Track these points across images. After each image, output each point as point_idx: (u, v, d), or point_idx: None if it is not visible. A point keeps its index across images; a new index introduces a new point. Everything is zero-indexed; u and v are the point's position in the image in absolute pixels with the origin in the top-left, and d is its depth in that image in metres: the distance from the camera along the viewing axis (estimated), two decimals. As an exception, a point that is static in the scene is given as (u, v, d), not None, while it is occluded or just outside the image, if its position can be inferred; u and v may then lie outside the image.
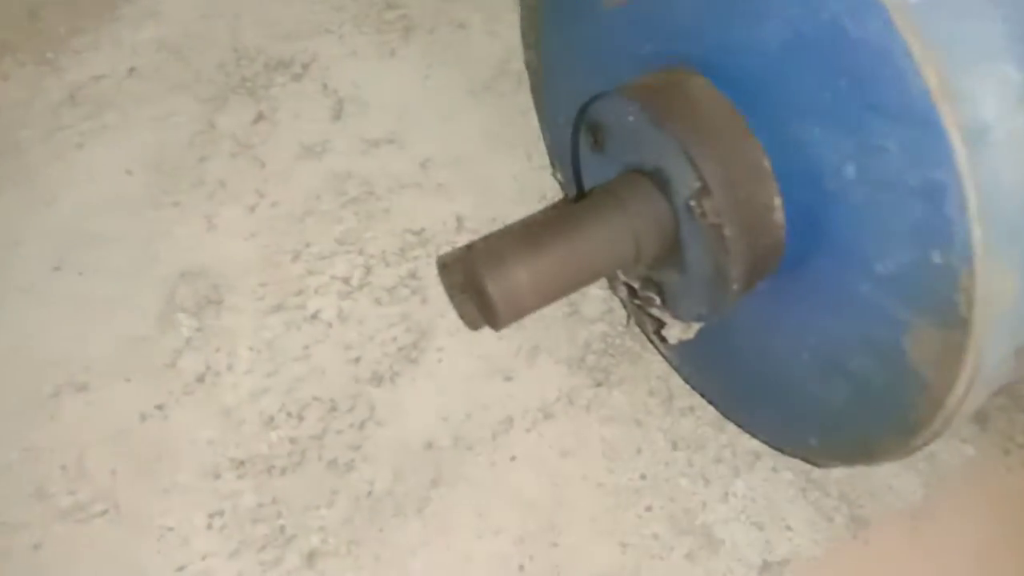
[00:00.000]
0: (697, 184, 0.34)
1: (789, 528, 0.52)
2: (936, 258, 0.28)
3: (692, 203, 0.35)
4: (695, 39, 0.36)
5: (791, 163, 0.33)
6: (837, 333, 0.35)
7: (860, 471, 0.54)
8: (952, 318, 0.29)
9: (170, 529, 0.50)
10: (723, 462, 0.53)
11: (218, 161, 0.63)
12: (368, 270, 0.59)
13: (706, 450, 0.54)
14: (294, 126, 0.65)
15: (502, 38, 0.68)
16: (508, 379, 0.56)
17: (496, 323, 0.36)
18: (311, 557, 0.49)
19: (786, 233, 0.35)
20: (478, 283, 0.35)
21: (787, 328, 0.39)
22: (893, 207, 0.29)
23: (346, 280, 0.58)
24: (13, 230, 0.60)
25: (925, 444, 0.35)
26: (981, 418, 0.57)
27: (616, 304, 0.58)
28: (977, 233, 0.28)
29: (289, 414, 0.53)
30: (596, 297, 0.59)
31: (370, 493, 0.51)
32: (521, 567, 0.49)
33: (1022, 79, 0.27)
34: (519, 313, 0.37)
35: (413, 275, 0.58)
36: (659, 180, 0.36)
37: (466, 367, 0.56)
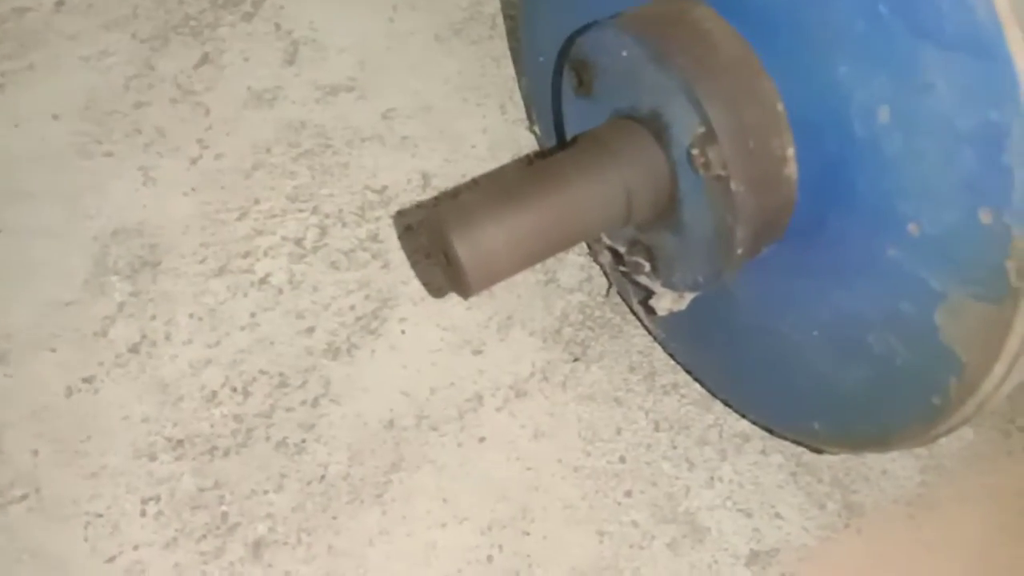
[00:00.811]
0: (701, 129, 0.30)
1: (779, 516, 0.49)
2: (986, 218, 0.24)
3: (694, 151, 0.31)
4: None
5: (811, 107, 0.30)
6: (856, 307, 0.31)
7: (859, 466, 0.52)
8: (998, 289, 0.25)
9: (99, 516, 0.47)
10: (709, 444, 0.51)
11: (157, 107, 0.61)
12: (323, 231, 0.56)
13: (691, 431, 0.51)
14: (243, 70, 0.63)
15: None
16: (477, 352, 0.53)
17: (465, 290, 0.32)
18: (257, 547, 0.47)
19: (800, 190, 0.31)
20: (446, 245, 0.31)
21: (796, 301, 0.35)
22: (936, 157, 0.25)
23: (298, 242, 0.55)
24: None
25: (949, 432, 0.31)
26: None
27: (596, 271, 0.56)
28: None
29: (234, 389, 0.51)
30: (574, 263, 0.57)
31: (323, 477, 0.49)
32: (490, 558, 0.47)
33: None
34: (491, 279, 0.33)
35: (374, 237, 0.55)
36: (656, 126, 0.33)
37: (432, 339, 0.54)
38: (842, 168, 0.30)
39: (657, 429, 0.51)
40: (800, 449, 0.53)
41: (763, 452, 0.51)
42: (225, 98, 0.62)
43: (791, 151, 0.31)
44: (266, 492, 0.48)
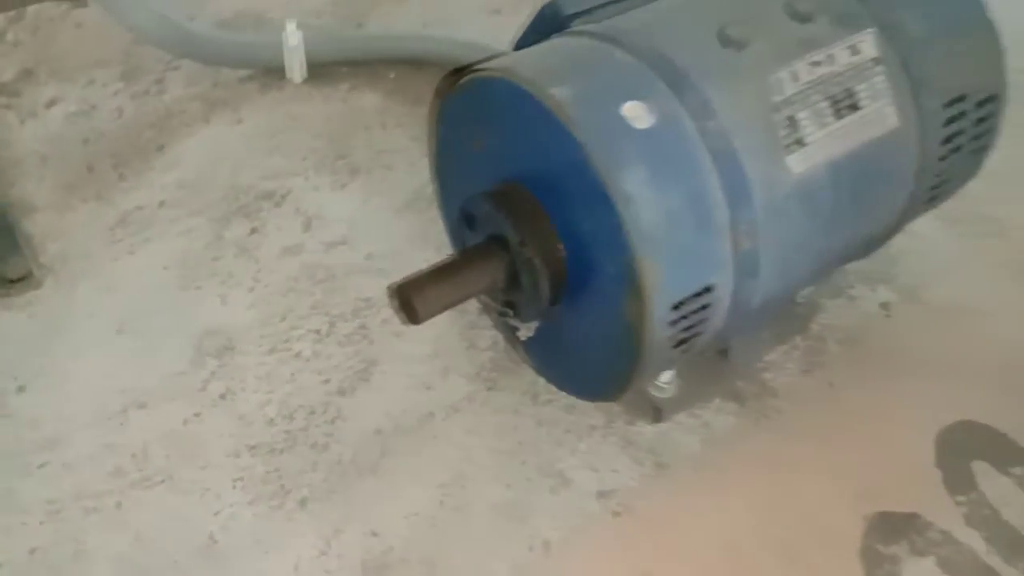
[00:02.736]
0: (522, 238, 0.63)
1: (615, 471, 0.73)
2: (628, 265, 0.57)
3: (520, 250, 0.61)
4: (516, 168, 0.61)
5: (563, 230, 0.60)
6: (599, 315, 0.63)
7: (663, 441, 0.75)
8: (637, 292, 0.58)
9: (208, 490, 0.71)
10: (571, 432, 0.75)
11: (226, 260, 0.85)
12: (332, 324, 0.81)
13: (560, 425, 0.75)
14: (278, 235, 0.87)
15: (418, 175, 0.88)
16: (429, 388, 0.77)
17: (416, 320, 0.63)
18: (303, 502, 0.70)
19: (567, 265, 0.60)
20: (404, 295, 0.62)
21: (578, 321, 0.63)
22: (603, 258, 0.57)
23: (318, 332, 0.80)
24: (88, 307, 0.82)
25: (640, 378, 0.62)
26: (739, 398, 0.78)
27: (498, 340, 0.80)
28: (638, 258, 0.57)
29: (284, 416, 0.75)
30: (487, 336, 0.81)
31: (339, 462, 0.72)
32: (441, 502, 0.71)
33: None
34: (429, 314, 0.62)
35: (363, 326, 0.81)
36: (503, 240, 0.61)
37: (401, 382, 0.78)
38: (581, 257, 0.61)
39: (539, 426, 0.76)
40: (627, 431, 0.75)
41: (603, 436, 0.75)
42: (268, 252, 0.86)
43: (562, 247, 0.62)
44: (305, 472, 0.72)
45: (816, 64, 0.63)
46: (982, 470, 0.75)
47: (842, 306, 0.88)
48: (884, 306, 0.88)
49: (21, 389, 0.77)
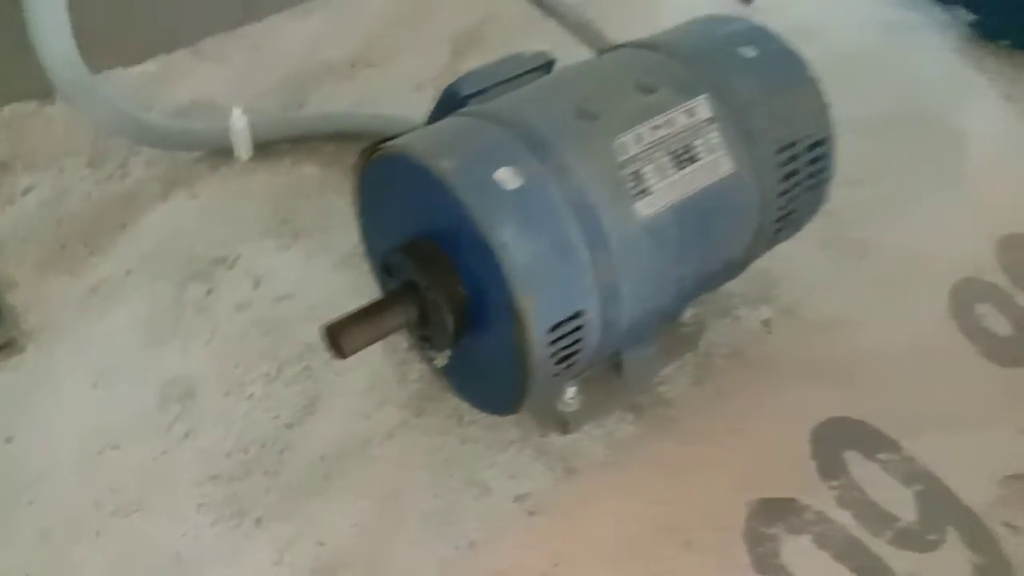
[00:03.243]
0: (428, 282, 0.73)
1: (530, 477, 0.81)
2: (510, 299, 0.70)
3: (427, 292, 0.71)
4: (421, 225, 0.71)
5: (463, 274, 0.72)
6: (496, 341, 0.75)
7: (572, 449, 0.84)
8: (519, 320, 0.71)
9: (175, 515, 0.79)
10: (492, 447, 0.84)
11: (185, 317, 0.94)
12: (280, 368, 0.90)
13: (482, 442, 0.84)
14: (231, 294, 0.96)
15: (353, 234, 0.88)
16: (367, 417, 0.86)
17: (343, 355, 0.76)
18: (258, 521, 0.79)
19: (468, 304, 0.70)
20: (332, 335, 0.74)
21: (482, 348, 0.72)
22: (495, 294, 0.69)
23: (267, 375, 0.89)
24: (66, 366, 0.91)
25: (533, 390, 0.76)
26: (638, 410, 0.88)
27: (426, 372, 0.88)
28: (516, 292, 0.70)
29: (240, 449, 0.84)
30: (416, 369, 0.90)
31: (289, 485, 0.81)
32: (380, 514, 0.80)
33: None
34: (354, 350, 0.72)
35: (308, 367, 0.90)
36: (415, 285, 0.71)
37: (342, 414, 0.86)
38: (477, 295, 0.72)
39: (463, 443, 0.85)
40: (541, 442, 0.84)
41: (520, 448, 0.84)
42: (223, 309, 0.95)
43: (463, 289, 0.75)
44: (259, 495, 0.83)
45: (657, 128, 0.78)
46: (852, 458, 0.85)
47: (728, 325, 1.00)
48: (765, 323, 0.99)
49: (9, 440, 0.86)
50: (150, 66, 1.21)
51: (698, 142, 0.79)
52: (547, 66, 0.91)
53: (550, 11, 1.24)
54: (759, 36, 0.87)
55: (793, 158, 0.84)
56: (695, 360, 0.94)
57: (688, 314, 0.95)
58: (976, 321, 0.97)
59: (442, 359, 0.83)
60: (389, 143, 0.78)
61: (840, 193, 0.86)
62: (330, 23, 1.29)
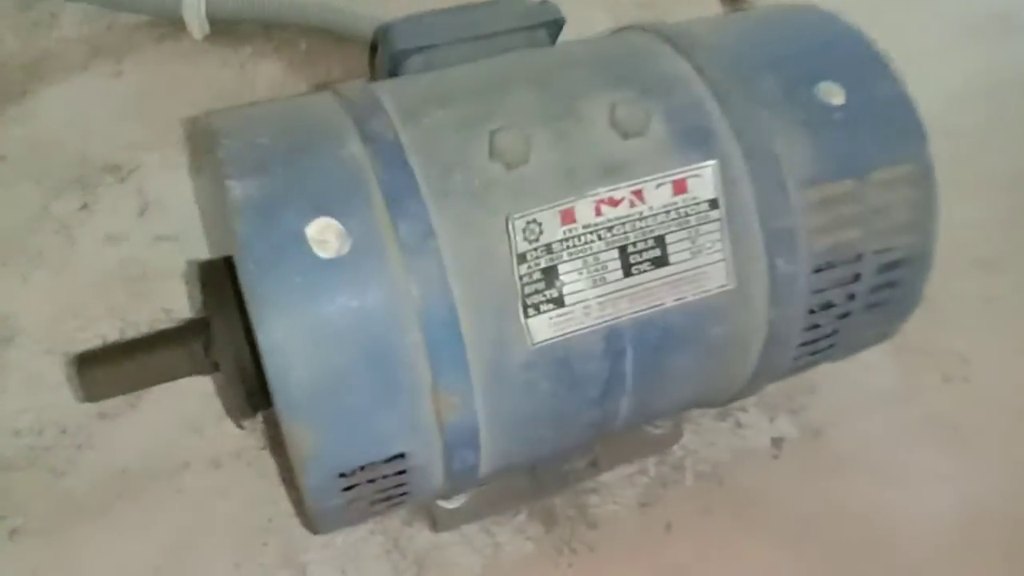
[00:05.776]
0: (219, 328, 0.51)
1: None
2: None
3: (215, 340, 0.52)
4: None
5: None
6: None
7: (438, 555, 0.66)
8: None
9: None
10: None
11: (42, 235, 0.80)
12: (122, 333, 0.75)
13: None
14: (107, 218, 0.81)
15: None
16: (197, 432, 0.71)
17: (88, 399, 0.55)
18: (12, 533, 0.65)
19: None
20: (79, 369, 0.54)
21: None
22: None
23: (105, 338, 0.74)
24: None
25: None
26: (549, 520, 0.70)
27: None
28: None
29: (33, 430, 0.70)
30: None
31: (69, 495, 0.67)
32: (157, 569, 0.65)
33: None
34: (96, 398, 0.55)
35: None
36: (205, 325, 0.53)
37: (170, 418, 0.71)
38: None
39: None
40: (396, 535, 0.67)
41: (371, 531, 0.66)
42: (89, 236, 0.81)
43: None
44: (29, 499, 0.68)
45: (616, 201, 0.47)
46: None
47: (724, 433, 0.73)
48: (775, 442, 0.73)
49: None
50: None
51: (679, 236, 0.48)
52: (548, 28, 0.60)
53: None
54: (865, 67, 0.52)
55: (846, 281, 0.52)
56: (657, 471, 0.71)
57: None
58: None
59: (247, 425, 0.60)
60: (214, 120, 0.52)
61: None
62: None
